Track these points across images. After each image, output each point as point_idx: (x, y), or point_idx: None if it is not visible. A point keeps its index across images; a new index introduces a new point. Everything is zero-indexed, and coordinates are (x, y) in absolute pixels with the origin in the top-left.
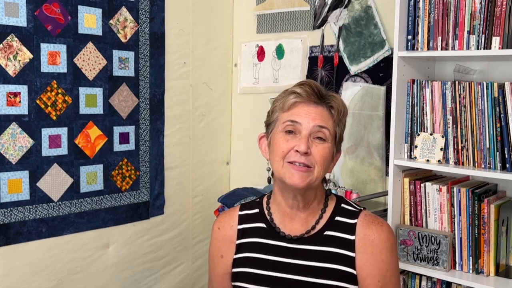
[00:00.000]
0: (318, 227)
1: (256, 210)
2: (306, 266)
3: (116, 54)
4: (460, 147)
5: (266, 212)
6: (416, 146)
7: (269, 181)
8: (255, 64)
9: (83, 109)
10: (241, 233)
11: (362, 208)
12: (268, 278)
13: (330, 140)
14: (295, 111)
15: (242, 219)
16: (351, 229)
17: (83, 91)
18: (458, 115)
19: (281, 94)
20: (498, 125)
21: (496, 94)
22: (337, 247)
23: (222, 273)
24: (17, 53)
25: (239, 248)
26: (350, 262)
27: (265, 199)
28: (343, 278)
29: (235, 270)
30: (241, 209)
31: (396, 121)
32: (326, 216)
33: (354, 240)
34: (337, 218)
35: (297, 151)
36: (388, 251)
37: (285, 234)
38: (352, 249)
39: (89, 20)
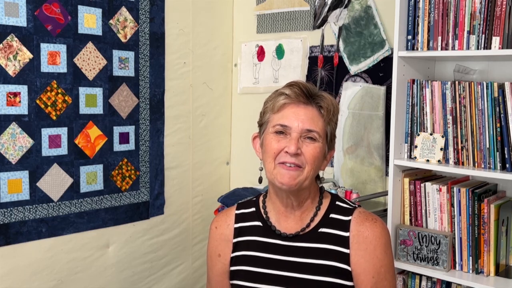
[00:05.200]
0: (313, 224)
1: (253, 209)
2: (302, 263)
3: (116, 54)
4: (460, 147)
5: (262, 210)
6: (416, 146)
7: (260, 181)
8: (255, 64)
9: (83, 109)
10: (238, 232)
11: (356, 206)
12: (265, 275)
13: (321, 140)
14: (285, 113)
15: (239, 218)
16: (345, 226)
17: (83, 91)
18: (458, 115)
19: (271, 95)
20: (498, 125)
21: (496, 94)
22: (331, 244)
23: (220, 271)
24: (17, 53)
25: (236, 247)
26: (345, 258)
27: (261, 198)
28: (338, 274)
29: (232, 268)
30: (237, 208)
31: (396, 121)
32: (321, 213)
33: (348, 237)
34: (332, 215)
35: (287, 152)
36: (382, 247)
37: (281, 232)
38: (347, 246)
39: (89, 20)
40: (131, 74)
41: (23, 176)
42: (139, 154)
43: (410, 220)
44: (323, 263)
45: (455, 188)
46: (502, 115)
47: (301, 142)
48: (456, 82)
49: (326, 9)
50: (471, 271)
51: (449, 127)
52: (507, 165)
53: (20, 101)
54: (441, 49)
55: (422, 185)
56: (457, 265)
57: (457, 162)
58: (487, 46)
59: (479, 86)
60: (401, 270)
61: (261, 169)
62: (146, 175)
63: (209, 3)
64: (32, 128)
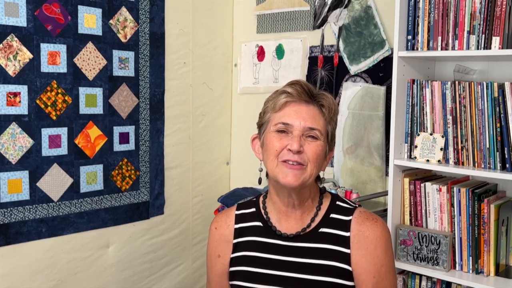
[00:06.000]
0: (313, 224)
1: (253, 209)
2: (303, 264)
3: (116, 54)
4: (460, 147)
5: (262, 211)
6: (416, 146)
7: (259, 182)
8: (255, 64)
9: (83, 109)
10: (238, 232)
11: (357, 205)
12: (265, 276)
13: (322, 139)
14: (286, 111)
15: (239, 219)
16: (346, 225)
17: (83, 91)
18: (458, 115)
19: (272, 95)
20: (498, 125)
21: (496, 94)
22: (332, 244)
23: (220, 272)
24: (17, 53)
25: (236, 247)
26: (346, 258)
27: (261, 199)
28: (339, 274)
29: (232, 269)
30: (237, 209)
31: (396, 121)
32: (321, 213)
33: (349, 237)
34: (332, 215)
35: (289, 149)
36: (383, 246)
37: (281, 232)
38: (347, 246)
39: (89, 20)
40: (131, 74)
41: (23, 176)
42: (139, 154)
43: (410, 220)
44: (324, 263)
45: (455, 188)
46: (502, 115)
47: (303, 140)
48: (456, 82)
49: (326, 9)
50: (471, 271)
51: (449, 127)
52: (507, 165)
53: (20, 101)
54: (441, 49)
55: (422, 185)
56: (457, 265)
57: (457, 162)
58: (487, 46)
59: (479, 86)
60: (401, 270)
61: (260, 170)
62: (146, 175)
63: (209, 3)
64: (32, 128)
